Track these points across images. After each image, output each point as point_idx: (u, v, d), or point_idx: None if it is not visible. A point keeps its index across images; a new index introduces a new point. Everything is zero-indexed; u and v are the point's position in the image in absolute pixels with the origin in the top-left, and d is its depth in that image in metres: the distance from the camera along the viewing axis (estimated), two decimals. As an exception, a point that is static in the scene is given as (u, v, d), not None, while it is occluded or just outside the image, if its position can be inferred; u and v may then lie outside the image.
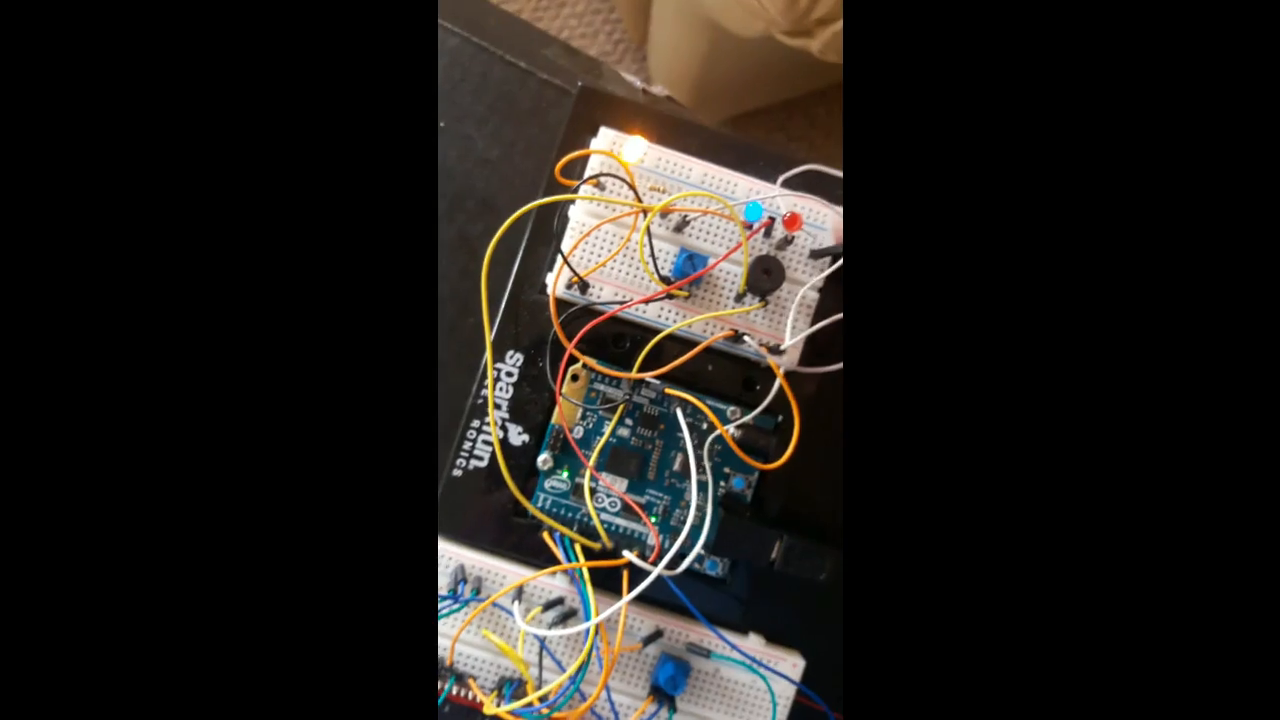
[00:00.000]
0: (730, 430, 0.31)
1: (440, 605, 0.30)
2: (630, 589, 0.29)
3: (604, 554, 0.31)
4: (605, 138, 0.31)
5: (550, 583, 0.31)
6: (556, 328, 0.30)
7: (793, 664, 0.32)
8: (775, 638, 0.33)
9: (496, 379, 0.32)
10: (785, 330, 0.31)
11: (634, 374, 0.30)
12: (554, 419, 0.32)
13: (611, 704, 0.31)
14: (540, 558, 0.31)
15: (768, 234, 0.31)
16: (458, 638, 0.31)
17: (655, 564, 0.28)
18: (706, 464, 0.31)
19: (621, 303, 0.31)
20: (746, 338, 0.31)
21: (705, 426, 0.32)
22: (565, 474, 0.32)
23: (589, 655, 0.29)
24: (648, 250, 0.30)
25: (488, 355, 0.30)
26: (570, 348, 0.30)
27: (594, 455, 0.31)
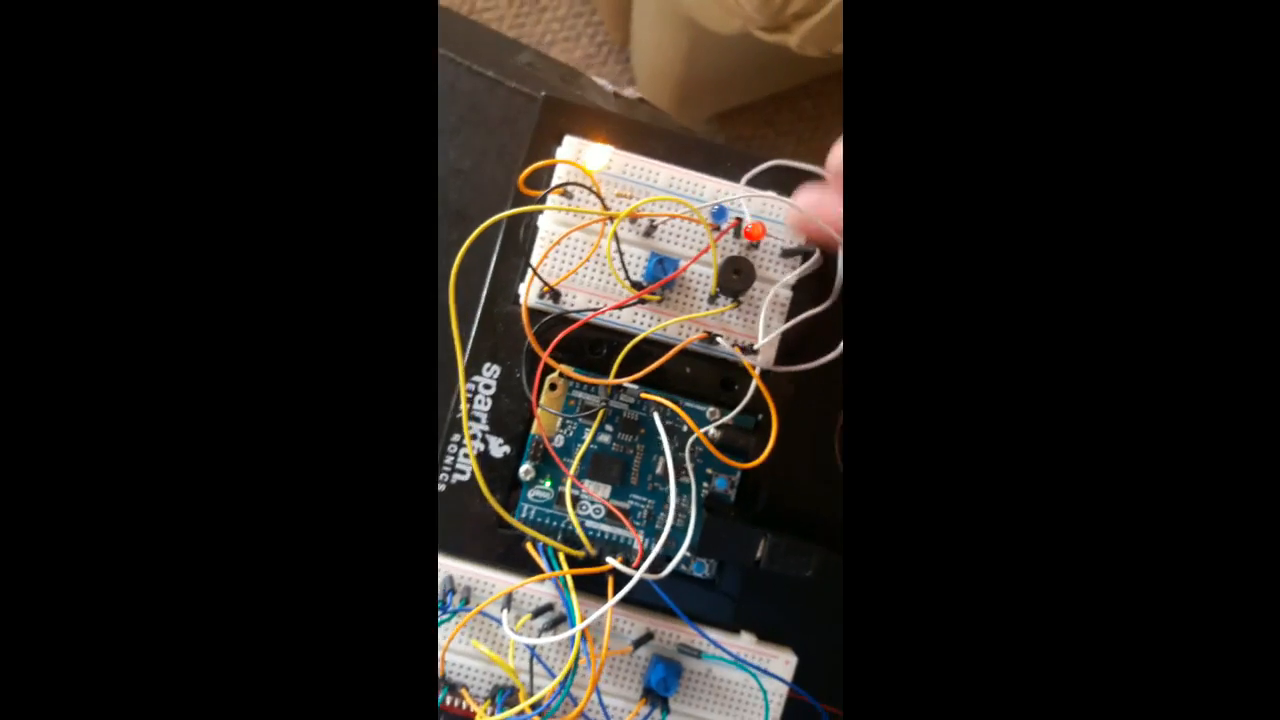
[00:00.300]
0: (710, 431, 0.31)
1: (429, 618, 0.31)
2: (616, 594, 0.29)
3: (588, 561, 0.31)
4: (570, 146, 0.31)
5: (539, 589, 0.32)
6: (530, 338, 0.30)
7: (785, 661, 0.32)
8: (767, 635, 0.33)
9: (475, 392, 0.32)
10: (759, 330, 0.31)
11: (610, 380, 0.30)
12: (534, 429, 0.32)
13: (603, 707, 0.31)
14: (528, 566, 0.31)
15: (737, 234, 0.31)
16: (447, 647, 0.31)
17: (638, 569, 0.29)
18: (689, 466, 0.31)
19: (594, 310, 0.31)
20: (719, 339, 0.31)
21: (685, 429, 0.32)
22: (548, 483, 0.32)
23: (575, 662, 0.29)
24: (616, 257, 0.30)
25: (460, 368, 0.30)
26: (545, 356, 0.30)
27: (575, 463, 0.32)
